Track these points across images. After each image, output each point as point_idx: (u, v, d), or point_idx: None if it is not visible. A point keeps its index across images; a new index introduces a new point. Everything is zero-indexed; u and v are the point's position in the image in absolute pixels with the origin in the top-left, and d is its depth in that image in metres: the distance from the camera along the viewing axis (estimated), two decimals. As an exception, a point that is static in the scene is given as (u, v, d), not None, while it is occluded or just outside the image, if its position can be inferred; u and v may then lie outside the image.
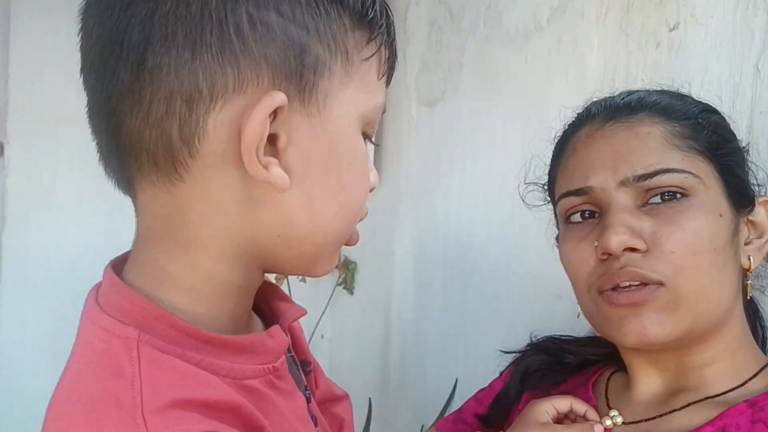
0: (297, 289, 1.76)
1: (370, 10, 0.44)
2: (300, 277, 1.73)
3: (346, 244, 0.50)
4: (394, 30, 0.48)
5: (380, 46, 0.45)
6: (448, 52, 1.36)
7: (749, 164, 0.63)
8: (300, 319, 0.58)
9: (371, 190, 0.50)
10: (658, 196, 0.57)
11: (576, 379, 0.70)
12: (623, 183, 0.57)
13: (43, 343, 1.54)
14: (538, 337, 0.77)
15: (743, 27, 0.76)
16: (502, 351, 0.79)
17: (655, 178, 0.56)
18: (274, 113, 0.40)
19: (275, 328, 0.48)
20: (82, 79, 0.44)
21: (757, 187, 0.63)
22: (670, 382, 0.62)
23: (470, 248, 1.29)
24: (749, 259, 0.58)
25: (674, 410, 0.58)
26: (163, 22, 0.39)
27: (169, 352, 0.40)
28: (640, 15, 0.90)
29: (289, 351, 0.52)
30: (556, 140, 0.67)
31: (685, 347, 0.59)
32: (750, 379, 0.58)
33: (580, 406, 0.64)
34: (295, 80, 0.41)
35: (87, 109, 0.44)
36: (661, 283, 0.55)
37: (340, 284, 1.75)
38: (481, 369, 1.23)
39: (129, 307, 0.42)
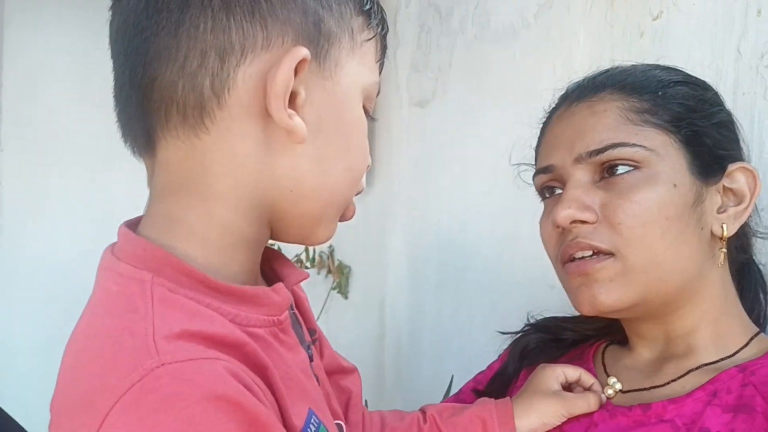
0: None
1: (368, 3, 0.50)
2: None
3: (342, 218, 0.53)
4: (387, 26, 0.53)
5: (376, 34, 0.51)
6: (437, 53, 1.38)
7: (733, 130, 0.63)
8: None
9: (367, 168, 0.53)
10: (613, 170, 0.59)
11: (572, 354, 0.71)
12: (578, 159, 0.60)
13: (36, 348, 1.53)
14: (536, 318, 0.78)
15: (723, 12, 0.78)
16: (500, 332, 0.80)
17: (606, 153, 0.58)
18: (295, 71, 0.44)
19: (279, 285, 0.50)
20: (110, 50, 0.47)
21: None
22: (660, 350, 0.63)
23: (462, 245, 1.30)
24: (722, 227, 0.59)
25: (670, 381, 0.60)
26: None
27: (180, 294, 0.42)
28: (624, 6, 0.92)
29: (292, 308, 0.53)
30: (541, 122, 0.70)
31: (662, 315, 0.61)
32: (740, 349, 0.59)
33: (587, 378, 0.65)
34: (313, 44, 0.46)
35: (114, 77, 0.47)
36: (610, 253, 0.57)
37: (334, 288, 1.75)
38: (476, 363, 1.23)
39: (142, 254, 0.44)
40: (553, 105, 0.69)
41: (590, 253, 0.58)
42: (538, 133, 0.70)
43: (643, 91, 0.60)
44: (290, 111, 0.45)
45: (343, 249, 1.82)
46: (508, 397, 0.66)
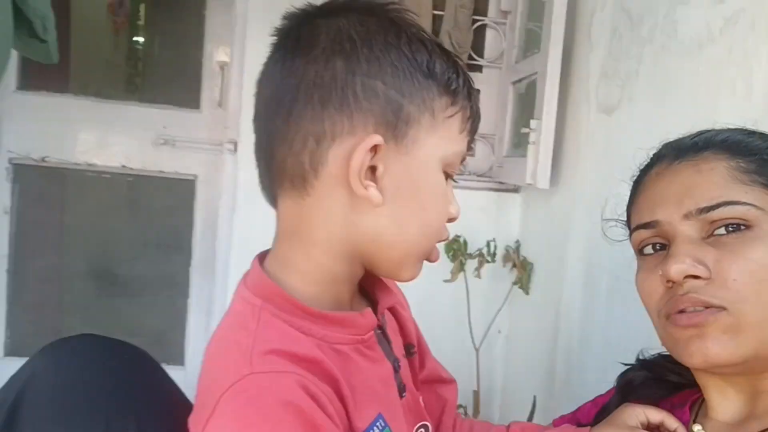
0: (475, 286, 1.87)
1: (454, 83, 0.58)
2: (475, 273, 1.82)
3: (428, 260, 0.62)
4: (475, 96, 0.60)
5: (461, 108, 0.59)
6: (626, 60, 1.35)
7: None
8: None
9: (451, 220, 0.61)
10: (722, 228, 0.59)
11: (678, 398, 0.72)
12: (687, 216, 0.60)
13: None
14: (652, 354, 0.78)
15: None
16: (621, 363, 0.82)
17: (717, 210, 0.58)
18: (375, 150, 0.55)
19: (367, 310, 0.61)
20: (252, 126, 0.62)
21: None
22: (746, 405, 0.62)
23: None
24: None
25: None
26: (305, 88, 0.55)
27: (280, 317, 0.56)
28: (809, 28, 0.85)
29: (380, 329, 0.64)
30: (633, 180, 0.71)
31: (759, 371, 0.60)
32: None
33: (672, 422, 0.66)
34: (391, 128, 0.56)
35: (254, 146, 0.62)
36: (722, 308, 0.58)
37: (516, 283, 1.81)
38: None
39: (260, 284, 0.58)
40: (647, 163, 0.69)
41: (702, 308, 0.59)
42: (633, 189, 0.70)
43: (748, 152, 0.60)
44: (367, 182, 0.55)
45: (529, 245, 1.86)
46: (588, 427, 0.69)
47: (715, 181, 0.60)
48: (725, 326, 0.58)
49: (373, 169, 0.55)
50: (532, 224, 1.87)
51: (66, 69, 2.27)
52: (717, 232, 0.59)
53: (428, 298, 1.92)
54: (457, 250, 1.76)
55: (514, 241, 1.91)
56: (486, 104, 2.06)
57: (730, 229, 0.59)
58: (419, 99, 0.56)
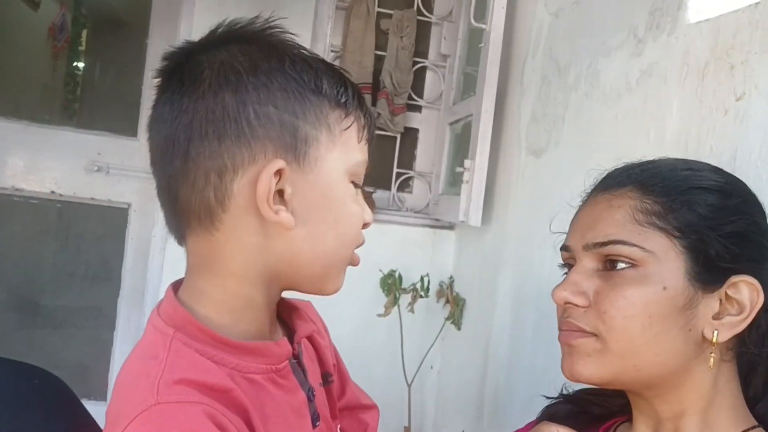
0: (409, 321, 1.88)
1: (343, 96, 0.60)
2: (409, 308, 1.83)
3: (351, 265, 0.63)
4: (366, 105, 0.62)
5: (355, 119, 0.60)
6: (554, 106, 1.42)
7: (754, 239, 0.63)
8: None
9: (366, 225, 0.63)
10: (614, 264, 0.63)
11: (594, 429, 0.74)
12: (586, 247, 0.64)
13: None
14: (572, 389, 0.81)
15: (799, 101, 0.76)
16: (545, 396, 0.85)
17: (607, 247, 0.63)
18: (280, 174, 0.56)
19: (283, 340, 0.62)
20: (151, 171, 0.61)
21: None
22: (654, 428, 0.66)
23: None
24: (713, 333, 0.60)
25: None
26: (198, 125, 0.55)
27: (192, 347, 0.55)
28: (712, 83, 0.92)
29: (295, 358, 0.64)
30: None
31: (648, 397, 0.64)
32: None
33: None
34: (291, 150, 0.57)
35: (156, 190, 0.61)
36: (592, 334, 0.62)
37: (448, 319, 1.84)
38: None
39: (172, 313, 0.58)
40: (596, 182, 0.71)
41: (577, 332, 0.64)
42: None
43: (660, 193, 0.63)
44: (277, 207, 0.55)
45: (462, 281, 1.90)
46: None
47: (617, 219, 0.63)
48: (591, 349, 0.62)
49: (281, 192, 0.56)
50: (465, 261, 1.91)
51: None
52: (609, 266, 0.64)
53: (363, 332, 1.93)
54: (392, 284, 1.77)
55: (448, 277, 1.94)
56: (424, 143, 2.12)
57: (621, 265, 0.62)
58: (313, 117, 0.57)
